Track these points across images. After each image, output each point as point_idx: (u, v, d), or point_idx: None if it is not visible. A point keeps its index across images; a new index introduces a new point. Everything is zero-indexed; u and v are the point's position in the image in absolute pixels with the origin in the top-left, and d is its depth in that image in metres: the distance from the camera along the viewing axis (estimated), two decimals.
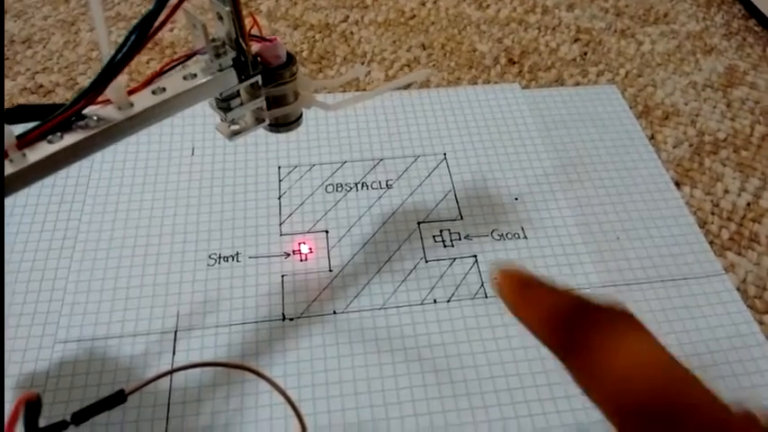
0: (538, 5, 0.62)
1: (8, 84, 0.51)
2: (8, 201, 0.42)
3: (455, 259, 0.40)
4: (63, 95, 0.50)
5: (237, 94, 0.28)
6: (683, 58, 0.57)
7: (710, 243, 0.42)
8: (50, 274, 0.38)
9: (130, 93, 0.25)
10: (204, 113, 0.48)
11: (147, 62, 0.53)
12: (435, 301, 0.38)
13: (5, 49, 0.54)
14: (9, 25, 0.56)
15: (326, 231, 0.41)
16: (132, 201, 0.42)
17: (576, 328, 0.19)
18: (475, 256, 0.40)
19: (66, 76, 0.52)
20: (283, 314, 0.37)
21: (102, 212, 0.42)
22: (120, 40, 0.23)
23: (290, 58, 0.29)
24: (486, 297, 0.38)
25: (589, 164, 0.47)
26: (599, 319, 0.18)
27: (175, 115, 0.26)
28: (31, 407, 0.19)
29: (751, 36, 0.60)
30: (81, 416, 0.23)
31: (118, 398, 0.24)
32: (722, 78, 0.55)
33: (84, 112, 0.24)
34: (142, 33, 0.23)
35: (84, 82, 0.51)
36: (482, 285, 0.39)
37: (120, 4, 0.59)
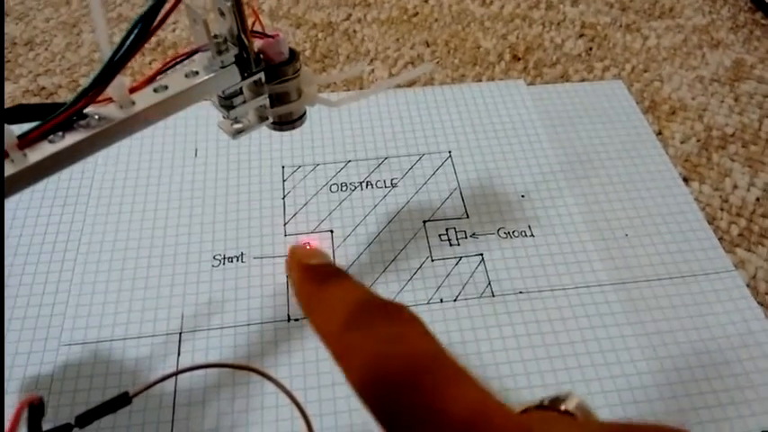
0: (542, 1, 0.61)
1: (10, 86, 0.51)
2: (11, 202, 0.42)
3: (461, 258, 0.40)
4: (65, 97, 0.50)
5: (240, 92, 0.28)
6: (689, 52, 0.56)
7: (720, 239, 0.42)
8: (54, 277, 0.38)
9: (132, 91, 0.25)
10: (207, 114, 0.47)
11: (150, 63, 0.53)
12: (442, 301, 0.37)
13: (7, 51, 0.54)
14: (11, 28, 0.56)
15: (331, 231, 0.41)
16: (136, 202, 0.42)
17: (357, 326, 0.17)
18: (481, 254, 0.40)
19: (69, 78, 0.51)
20: (289, 315, 0.37)
21: (105, 214, 0.41)
22: (119, 42, 0.23)
23: (293, 55, 0.28)
24: (493, 296, 0.38)
25: (596, 160, 0.46)
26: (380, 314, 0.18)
27: (178, 116, 0.26)
28: (34, 410, 0.19)
29: (758, 29, 0.59)
30: (85, 418, 0.23)
31: (122, 400, 0.23)
32: (729, 72, 0.54)
33: (86, 111, 0.24)
34: (143, 30, 0.23)
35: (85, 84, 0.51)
36: (489, 284, 0.38)
37: (122, 5, 0.58)
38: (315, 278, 0.20)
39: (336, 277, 0.20)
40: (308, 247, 0.22)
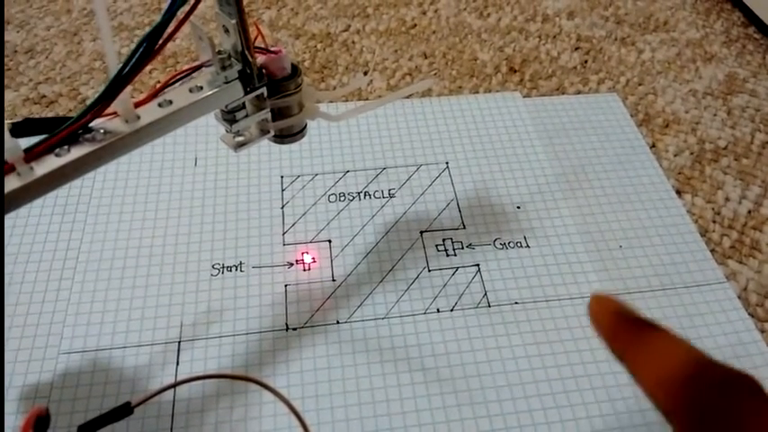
0: (538, 14, 0.62)
1: (11, 94, 0.51)
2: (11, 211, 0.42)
3: (458, 268, 0.40)
4: (66, 106, 0.50)
5: (243, 106, 0.28)
6: (683, 65, 0.57)
7: (712, 251, 0.42)
8: (54, 285, 0.38)
9: (137, 105, 0.25)
10: (207, 124, 0.48)
11: (150, 72, 0.53)
12: (438, 311, 0.38)
13: (8, 59, 0.54)
14: (12, 36, 0.57)
15: (329, 241, 0.41)
16: (135, 211, 0.42)
17: (700, 397, 0.16)
18: (478, 265, 0.40)
19: (69, 87, 0.52)
20: (287, 324, 0.37)
21: (105, 223, 0.42)
22: (124, 50, 0.23)
23: (295, 70, 0.29)
24: (489, 306, 0.38)
25: (591, 172, 0.47)
26: (725, 392, 0.16)
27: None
28: (41, 421, 0.19)
29: (751, 43, 0.60)
30: (87, 428, 0.23)
31: (124, 410, 0.24)
32: (722, 86, 0.55)
33: (92, 125, 0.24)
34: (150, 46, 0.23)
35: (87, 92, 0.51)
36: (485, 294, 0.39)
37: (123, 14, 0.59)
38: (634, 326, 0.19)
39: (658, 328, 0.19)
40: (612, 298, 0.21)
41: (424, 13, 0.62)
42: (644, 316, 0.20)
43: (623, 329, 0.20)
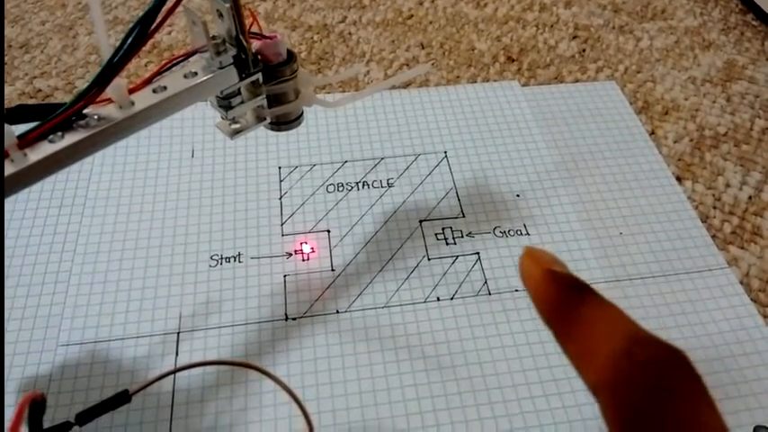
0: (535, 3, 0.62)
1: (7, 89, 0.51)
2: (9, 204, 0.42)
3: (458, 257, 0.40)
4: (62, 100, 0.50)
5: (238, 93, 0.28)
6: (681, 53, 0.57)
7: (713, 237, 0.42)
8: (52, 278, 0.38)
9: (131, 92, 0.25)
10: (204, 115, 0.48)
11: (146, 65, 0.53)
12: (438, 299, 0.38)
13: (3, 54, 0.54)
14: (7, 30, 0.56)
15: (328, 231, 0.41)
16: (133, 203, 0.42)
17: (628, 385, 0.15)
18: (477, 253, 0.40)
19: (65, 81, 0.52)
20: (286, 314, 0.37)
21: (102, 215, 0.41)
22: (119, 43, 0.23)
23: (291, 56, 0.29)
24: (490, 294, 0.38)
25: (590, 160, 0.47)
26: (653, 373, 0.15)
27: (175, 117, 0.26)
28: (36, 406, 0.19)
29: (749, 30, 0.60)
30: (85, 416, 0.23)
31: (122, 398, 0.24)
32: (721, 73, 0.55)
33: (85, 111, 0.24)
34: (142, 31, 0.23)
35: (83, 86, 0.51)
36: (485, 282, 0.39)
37: (118, 8, 0.59)
38: (563, 288, 0.18)
39: (590, 294, 0.18)
40: (545, 250, 0.20)
41: (421, 3, 0.61)
42: (579, 278, 0.18)
43: (555, 291, 0.18)
